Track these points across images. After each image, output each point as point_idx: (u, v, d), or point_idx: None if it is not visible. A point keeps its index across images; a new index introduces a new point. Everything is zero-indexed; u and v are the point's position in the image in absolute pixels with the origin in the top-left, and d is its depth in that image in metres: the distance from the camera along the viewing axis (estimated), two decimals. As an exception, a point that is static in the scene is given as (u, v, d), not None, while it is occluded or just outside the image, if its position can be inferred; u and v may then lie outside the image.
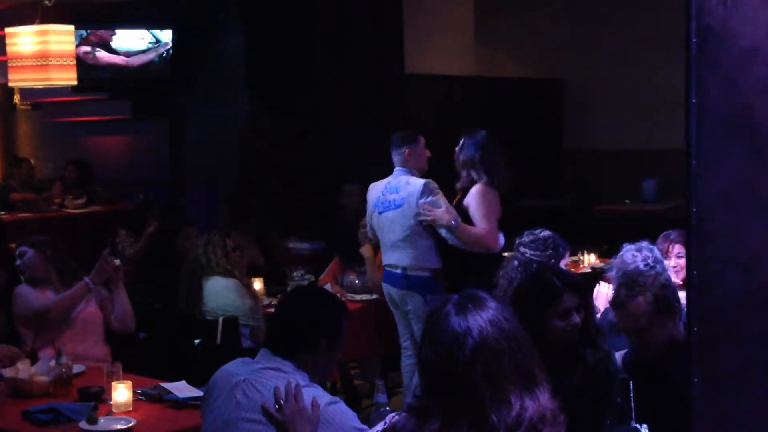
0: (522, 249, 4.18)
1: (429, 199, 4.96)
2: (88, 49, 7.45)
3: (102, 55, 7.52)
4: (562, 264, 4.25)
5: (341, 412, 2.52)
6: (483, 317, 1.87)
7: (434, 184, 5.03)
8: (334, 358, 2.68)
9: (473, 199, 4.90)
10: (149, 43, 7.65)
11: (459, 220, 4.86)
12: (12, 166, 9.06)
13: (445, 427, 1.82)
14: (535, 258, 4.13)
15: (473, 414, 1.81)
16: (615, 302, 3.14)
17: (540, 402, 1.82)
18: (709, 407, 1.84)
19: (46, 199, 8.45)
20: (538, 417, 1.81)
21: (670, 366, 2.99)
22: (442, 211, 4.89)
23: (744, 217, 1.77)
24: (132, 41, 7.61)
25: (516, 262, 4.16)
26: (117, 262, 4.39)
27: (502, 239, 4.90)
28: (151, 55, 7.67)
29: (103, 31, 7.50)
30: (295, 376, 2.56)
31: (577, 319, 2.99)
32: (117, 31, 7.55)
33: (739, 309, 1.80)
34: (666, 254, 4.33)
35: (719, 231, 1.79)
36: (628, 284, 3.09)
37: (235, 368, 2.66)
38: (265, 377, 2.57)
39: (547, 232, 4.23)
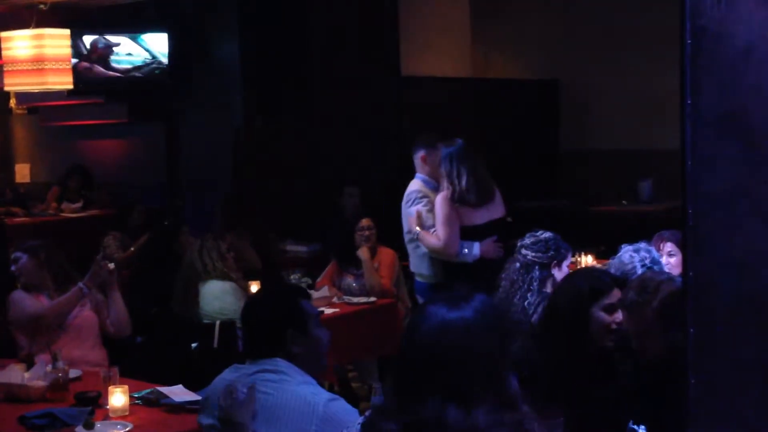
0: (524, 251, 4.17)
1: (407, 208, 5.17)
2: (87, 65, 7.48)
3: (100, 70, 7.56)
4: (565, 265, 4.25)
5: (341, 409, 2.52)
6: (438, 318, 1.82)
7: (414, 194, 5.17)
8: (315, 345, 2.67)
9: (435, 207, 4.97)
10: (145, 59, 7.68)
11: (419, 229, 5.00)
12: None
13: (384, 414, 1.85)
14: (536, 260, 4.11)
15: (405, 399, 1.81)
16: (622, 302, 3.14)
17: (468, 418, 1.75)
18: (705, 408, 1.84)
19: (42, 204, 8.45)
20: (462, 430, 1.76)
21: (669, 368, 2.99)
22: (411, 219, 5.08)
23: (740, 218, 1.76)
24: (129, 57, 7.66)
25: (518, 264, 4.15)
26: (111, 266, 4.38)
27: (476, 248, 4.87)
28: (145, 70, 7.71)
29: (102, 47, 7.53)
30: (289, 372, 2.58)
31: (620, 317, 3.00)
32: (114, 48, 7.58)
33: (736, 310, 1.80)
34: (659, 252, 4.34)
35: (715, 232, 1.79)
36: (638, 288, 3.08)
37: (229, 375, 2.68)
38: (259, 380, 2.58)
39: (548, 234, 4.22)
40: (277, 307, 2.70)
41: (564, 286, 3.23)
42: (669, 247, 4.43)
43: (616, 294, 3.03)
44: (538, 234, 4.22)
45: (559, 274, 4.18)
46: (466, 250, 4.86)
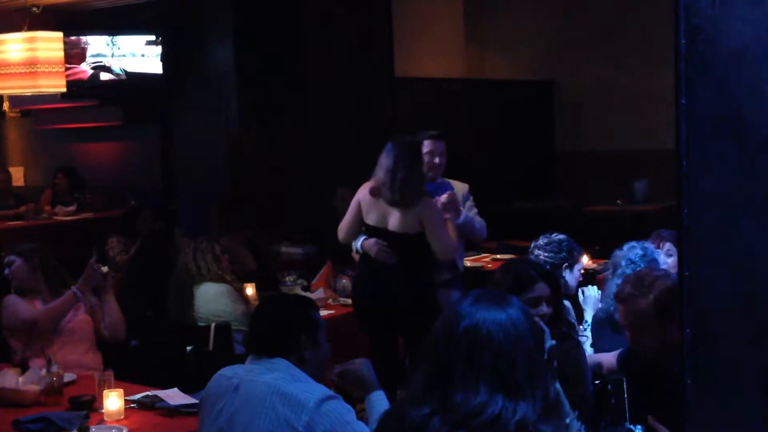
0: (536, 252, 4.17)
1: None
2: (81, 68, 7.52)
3: (94, 73, 7.60)
4: (576, 269, 4.24)
5: (337, 408, 2.56)
6: (490, 313, 1.87)
7: None
8: (320, 353, 2.75)
9: None
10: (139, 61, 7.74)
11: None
12: None
13: (416, 402, 1.85)
14: (548, 260, 4.12)
15: (444, 388, 1.84)
16: (618, 296, 3.17)
17: (517, 411, 1.79)
18: (701, 407, 1.84)
19: (36, 207, 8.41)
20: (512, 423, 1.78)
21: (664, 366, 3.00)
22: None
23: (735, 218, 1.76)
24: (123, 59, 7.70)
25: None
26: (104, 269, 4.37)
27: (358, 242, 4.80)
28: (139, 73, 7.74)
29: (107, 57, 7.58)
30: (289, 371, 2.63)
31: (545, 309, 3.05)
32: (108, 51, 7.61)
33: (731, 309, 1.80)
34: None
35: (710, 232, 1.78)
36: (635, 282, 3.11)
37: (230, 372, 2.73)
38: (259, 376, 2.63)
39: (561, 236, 4.23)
40: (296, 311, 2.79)
41: (492, 277, 3.27)
42: (667, 246, 4.44)
43: (540, 288, 3.07)
44: (551, 235, 4.23)
45: (570, 276, 4.18)
46: (354, 241, 4.86)
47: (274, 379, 2.60)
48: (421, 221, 4.68)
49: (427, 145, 5.07)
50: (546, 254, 4.14)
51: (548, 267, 4.04)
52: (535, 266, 3.21)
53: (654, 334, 3.05)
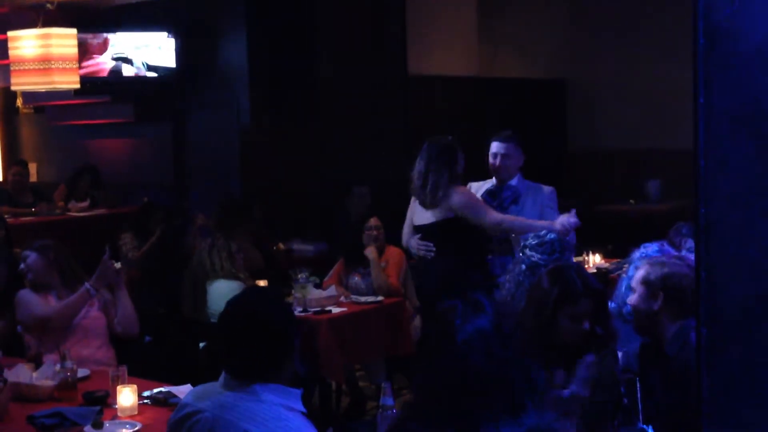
0: (528, 252, 4.14)
1: None
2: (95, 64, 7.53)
3: (107, 69, 7.62)
4: None
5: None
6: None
7: None
8: (295, 357, 2.49)
9: None
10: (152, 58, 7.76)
11: None
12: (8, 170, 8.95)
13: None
14: (541, 262, 4.09)
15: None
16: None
17: None
18: (718, 408, 1.83)
19: (49, 203, 8.44)
20: None
21: (679, 365, 3.00)
22: None
23: (753, 218, 1.75)
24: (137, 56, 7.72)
25: (524, 266, 4.11)
26: (117, 266, 4.38)
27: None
28: (152, 70, 7.76)
29: (129, 49, 7.60)
30: (278, 410, 2.40)
31: (586, 326, 3.01)
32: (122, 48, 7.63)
33: (749, 310, 1.79)
34: (678, 248, 4.32)
35: (728, 232, 1.78)
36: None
37: (201, 404, 2.50)
38: (238, 420, 2.39)
39: (552, 235, 4.19)
40: (273, 317, 2.48)
41: (536, 283, 3.21)
42: (690, 243, 4.41)
43: (585, 304, 3.01)
44: (542, 235, 4.18)
45: None
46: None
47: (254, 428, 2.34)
48: (454, 212, 4.79)
49: (491, 147, 5.23)
50: (540, 255, 4.09)
51: (543, 269, 4.04)
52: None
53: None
